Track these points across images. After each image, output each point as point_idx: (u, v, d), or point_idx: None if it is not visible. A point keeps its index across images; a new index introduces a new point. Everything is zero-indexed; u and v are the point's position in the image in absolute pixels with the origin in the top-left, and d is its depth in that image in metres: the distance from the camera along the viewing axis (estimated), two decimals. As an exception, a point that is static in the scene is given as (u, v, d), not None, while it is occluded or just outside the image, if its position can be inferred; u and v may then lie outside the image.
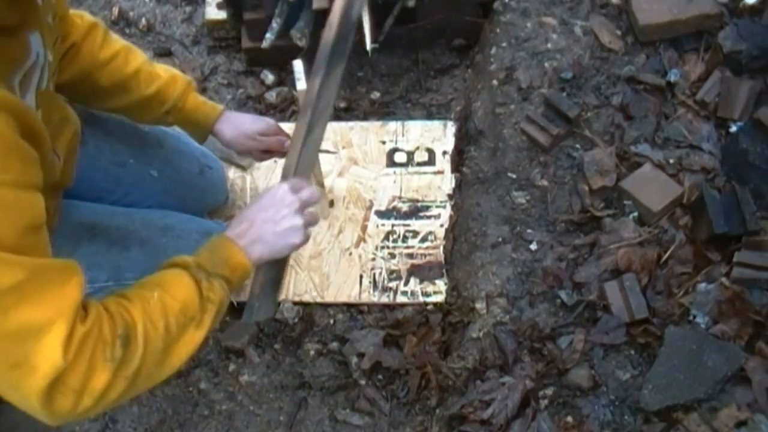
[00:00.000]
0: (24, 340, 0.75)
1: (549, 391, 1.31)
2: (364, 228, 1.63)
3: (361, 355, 1.44)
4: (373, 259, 1.58)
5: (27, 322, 0.74)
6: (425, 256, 1.58)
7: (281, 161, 1.72)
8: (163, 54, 2.04)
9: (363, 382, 1.44)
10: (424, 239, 1.60)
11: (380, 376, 1.45)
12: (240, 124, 1.36)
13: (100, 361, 0.81)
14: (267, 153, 1.40)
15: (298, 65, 1.31)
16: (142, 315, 0.87)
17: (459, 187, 1.68)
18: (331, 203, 1.68)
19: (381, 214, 1.65)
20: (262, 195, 1.08)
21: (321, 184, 1.56)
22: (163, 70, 1.31)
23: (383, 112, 1.93)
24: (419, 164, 1.72)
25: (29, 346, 0.75)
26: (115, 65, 1.23)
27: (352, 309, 1.53)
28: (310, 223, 1.12)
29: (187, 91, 1.32)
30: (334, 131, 1.80)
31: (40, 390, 0.76)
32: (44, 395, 0.77)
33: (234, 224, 1.06)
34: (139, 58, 1.26)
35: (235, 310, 1.52)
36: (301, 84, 1.27)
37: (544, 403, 1.30)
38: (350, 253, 1.60)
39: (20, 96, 0.85)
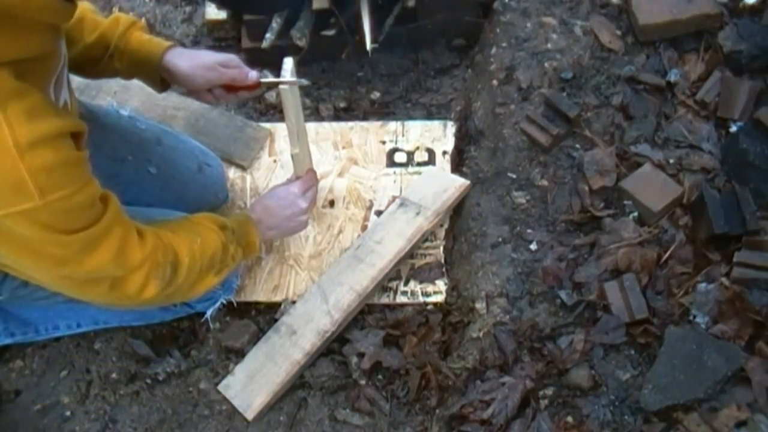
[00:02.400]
0: (93, 271, 0.99)
1: (549, 391, 1.31)
2: (364, 228, 1.63)
3: (361, 355, 1.44)
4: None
5: (95, 263, 0.98)
6: (425, 256, 1.58)
7: (281, 161, 1.73)
8: (163, 54, 2.03)
9: (363, 382, 1.44)
10: (424, 239, 1.60)
11: (380, 376, 1.45)
12: (196, 56, 1.28)
13: (153, 278, 1.07)
14: (231, 90, 1.32)
15: (288, 63, 1.29)
16: (188, 251, 1.14)
17: (459, 187, 1.68)
18: (332, 203, 1.68)
19: (381, 214, 1.65)
20: (278, 191, 1.42)
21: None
22: (111, 17, 1.25)
23: (383, 112, 1.93)
24: (419, 164, 1.72)
25: (94, 273, 1.00)
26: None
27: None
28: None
29: (131, 30, 1.24)
30: (334, 131, 1.80)
31: (104, 291, 1.05)
32: (107, 294, 1.05)
33: (254, 209, 1.38)
34: (82, 5, 1.20)
35: (235, 310, 1.52)
36: (284, 85, 1.27)
37: (544, 403, 1.30)
38: (350, 253, 1.60)
39: (55, 98, 0.95)
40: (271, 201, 1.40)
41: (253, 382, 1.41)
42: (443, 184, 1.62)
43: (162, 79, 1.31)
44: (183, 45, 2.06)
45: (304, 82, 1.31)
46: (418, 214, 1.56)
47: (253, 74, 1.30)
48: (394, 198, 1.67)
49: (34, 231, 0.87)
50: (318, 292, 1.49)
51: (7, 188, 0.82)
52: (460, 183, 1.62)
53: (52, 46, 0.92)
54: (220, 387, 1.43)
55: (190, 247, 1.14)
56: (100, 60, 1.24)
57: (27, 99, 0.82)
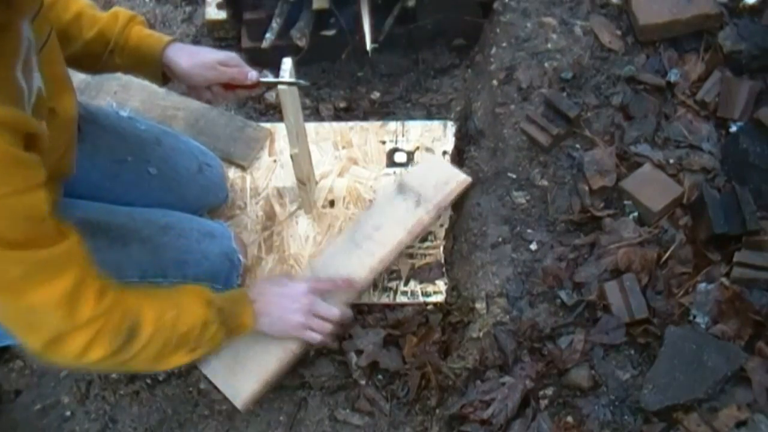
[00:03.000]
0: (34, 313, 0.87)
1: (549, 391, 1.31)
2: (364, 228, 1.63)
3: (359, 353, 1.44)
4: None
5: (37, 302, 0.86)
6: (425, 256, 1.58)
7: (281, 161, 1.73)
8: (163, 54, 2.03)
9: (363, 382, 1.44)
10: (424, 239, 1.60)
11: (380, 376, 1.45)
12: (196, 53, 1.26)
13: (101, 341, 0.93)
14: (230, 88, 1.30)
15: (287, 63, 1.29)
16: (154, 322, 1.01)
17: (460, 186, 1.67)
18: (332, 203, 1.67)
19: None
20: (285, 281, 1.32)
21: (303, 181, 1.54)
22: (109, 12, 1.22)
23: (383, 112, 1.93)
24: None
25: (34, 316, 0.88)
26: (54, 13, 1.14)
27: (352, 309, 1.53)
28: (317, 330, 1.31)
29: (130, 26, 1.22)
30: (334, 131, 1.80)
31: (40, 346, 0.91)
32: (43, 351, 0.92)
33: (255, 288, 1.28)
34: (80, 1, 1.18)
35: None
36: (283, 86, 1.26)
37: (544, 403, 1.30)
38: (350, 253, 1.60)
39: (26, 85, 0.88)
40: (273, 286, 1.29)
41: (241, 366, 1.33)
42: (444, 177, 1.58)
43: (163, 73, 1.31)
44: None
45: (303, 82, 1.31)
46: (418, 204, 1.50)
47: (252, 74, 1.29)
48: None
49: None
50: (314, 277, 1.41)
51: None
52: (462, 178, 1.61)
53: (4, 18, 0.84)
54: (204, 369, 1.36)
55: (160, 317, 1.02)
56: (101, 56, 1.22)
57: None
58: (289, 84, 1.27)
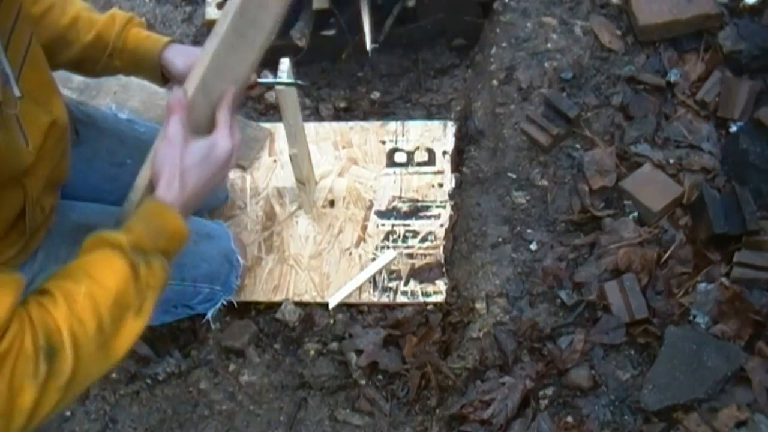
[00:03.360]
0: None
1: (549, 391, 1.31)
2: (364, 228, 1.63)
3: (359, 352, 1.44)
4: (373, 259, 1.58)
5: None
6: (425, 256, 1.58)
7: (281, 161, 1.73)
8: (163, 54, 2.03)
9: (363, 382, 1.44)
10: (424, 239, 1.60)
11: (380, 376, 1.45)
12: (193, 53, 1.20)
13: (23, 379, 0.74)
14: None
15: (284, 63, 1.28)
16: (67, 317, 0.79)
17: (459, 187, 1.68)
18: (332, 203, 1.68)
19: (381, 214, 1.65)
20: (197, 144, 0.94)
21: (303, 181, 1.53)
22: (105, 14, 1.19)
23: (383, 112, 1.93)
24: (419, 164, 1.72)
25: None
26: (51, 18, 1.12)
27: (352, 309, 1.53)
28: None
29: (128, 28, 1.19)
30: (334, 131, 1.80)
31: None
32: None
33: (164, 179, 0.92)
34: (76, 5, 1.16)
35: (235, 310, 1.52)
36: (282, 86, 1.25)
37: (544, 403, 1.30)
38: (350, 253, 1.60)
39: None
40: (185, 158, 0.93)
41: None
42: None
43: (162, 74, 1.31)
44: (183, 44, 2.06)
45: (301, 82, 1.31)
46: None
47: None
48: (394, 198, 1.67)
49: None
50: (205, 98, 1.01)
51: None
52: None
53: None
54: None
55: (72, 309, 0.79)
56: (100, 60, 1.21)
57: None
58: (287, 84, 1.26)
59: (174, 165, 0.91)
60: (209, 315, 1.44)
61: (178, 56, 1.22)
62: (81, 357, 0.79)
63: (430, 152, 1.74)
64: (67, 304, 0.79)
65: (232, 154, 0.98)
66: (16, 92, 0.86)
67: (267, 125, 1.82)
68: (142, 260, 0.86)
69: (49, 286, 0.82)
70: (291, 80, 1.28)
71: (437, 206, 1.66)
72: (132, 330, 0.85)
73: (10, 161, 0.86)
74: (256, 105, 1.94)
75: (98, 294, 0.81)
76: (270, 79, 1.27)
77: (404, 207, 1.66)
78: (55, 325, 0.78)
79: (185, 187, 0.92)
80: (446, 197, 1.67)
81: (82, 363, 0.79)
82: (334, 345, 1.48)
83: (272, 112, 1.93)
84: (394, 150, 1.75)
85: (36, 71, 0.99)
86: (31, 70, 0.96)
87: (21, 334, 0.74)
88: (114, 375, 1.47)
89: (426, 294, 1.52)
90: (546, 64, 1.70)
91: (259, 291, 1.55)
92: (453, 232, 1.63)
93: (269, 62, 1.95)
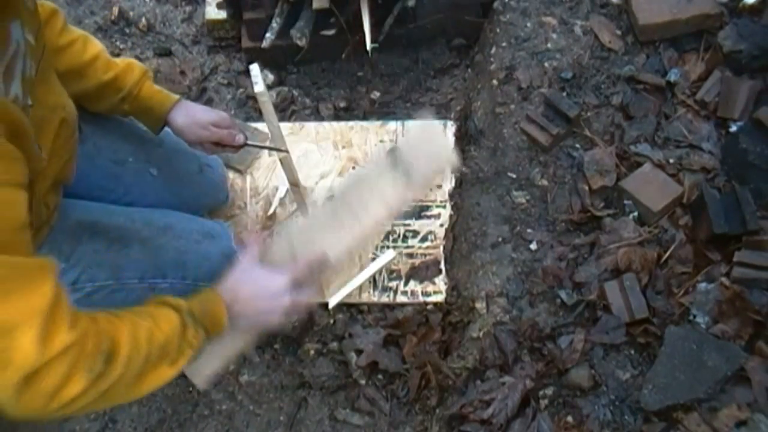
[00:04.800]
0: (3, 336, 0.76)
1: (549, 391, 1.31)
2: (364, 228, 1.63)
3: (359, 352, 1.44)
4: (373, 259, 1.58)
5: (8, 317, 0.76)
6: (425, 255, 1.58)
7: (278, 159, 1.73)
8: (163, 54, 2.04)
9: (363, 381, 1.44)
10: (424, 239, 1.60)
11: (380, 376, 1.45)
12: (193, 113, 1.35)
13: (79, 371, 0.83)
14: (218, 146, 1.38)
15: (255, 69, 1.32)
16: (129, 338, 0.91)
17: (459, 186, 1.68)
18: (332, 198, 1.67)
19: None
20: (261, 274, 1.14)
21: (296, 183, 1.54)
22: (120, 60, 1.31)
23: (383, 111, 1.93)
24: (419, 164, 1.72)
25: (5, 341, 0.77)
26: (73, 51, 1.22)
27: (352, 309, 1.53)
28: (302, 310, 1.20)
29: (143, 79, 1.31)
30: (334, 131, 1.80)
31: (12, 385, 0.78)
32: (16, 391, 0.79)
33: (228, 286, 1.12)
34: (96, 46, 1.27)
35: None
36: (258, 87, 1.29)
37: (544, 403, 1.30)
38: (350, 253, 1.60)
39: (4, 87, 0.84)
40: (250, 280, 1.14)
41: (204, 351, 1.17)
42: (438, 153, 1.39)
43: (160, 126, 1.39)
44: (183, 45, 2.06)
45: (283, 150, 1.40)
46: (407, 183, 1.31)
47: (239, 138, 1.36)
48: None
49: None
50: (287, 247, 1.27)
51: None
52: (454, 159, 1.48)
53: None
54: None
55: (135, 333, 0.93)
56: (111, 100, 1.30)
57: None
58: (271, 149, 1.35)
59: (237, 276, 1.13)
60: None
61: (180, 113, 1.34)
62: (125, 374, 0.90)
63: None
64: (132, 328, 0.93)
65: (281, 295, 1.13)
66: (16, 91, 0.89)
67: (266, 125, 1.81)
68: (191, 323, 1.03)
69: (119, 312, 0.96)
70: (274, 146, 1.38)
71: (437, 206, 1.66)
72: (164, 374, 0.99)
73: (32, 171, 0.91)
74: (256, 105, 1.94)
75: (155, 332, 0.96)
76: (257, 143, 1.38)
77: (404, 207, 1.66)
78: (118, 338, 0.90)
79: (236, 295, 1.11)
80: (446, 197, 1.67)
81: (123, 380, 0.90)
82: (334, 345, 1.49)
83: (272, 112, 1.92)
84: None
85: (48, 81, 1.05)
86: (43, 83, 1.01)
87: (88, 332, 0.85)
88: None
89: (426, 294, 1.52)
90: (546, 64, 1.70)
91: (259, 291, 1.55)
92: (453, 231, 1.63)
93: (270, 62, 1.97)
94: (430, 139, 1.46)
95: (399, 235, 1.62)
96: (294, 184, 1.53)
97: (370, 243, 1.44)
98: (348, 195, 1.33)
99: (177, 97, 1.35)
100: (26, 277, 0.79)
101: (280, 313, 1.15)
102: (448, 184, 1.68)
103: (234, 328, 1.15)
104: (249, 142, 1.39)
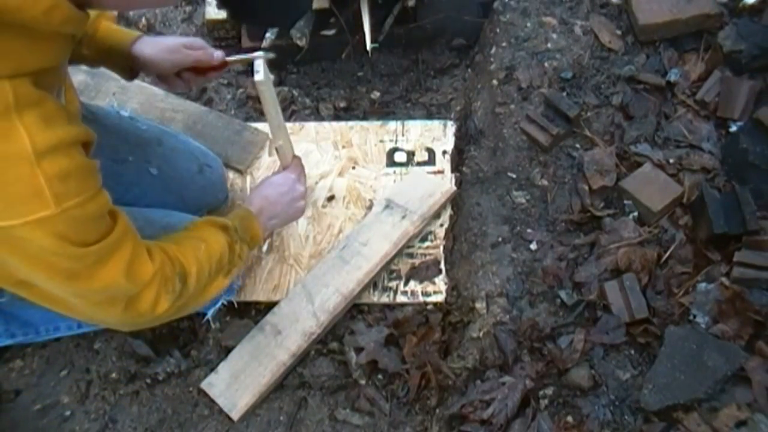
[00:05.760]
0: (106, 287, 0.97)
1: (549, 391, 1.31)
2: (364, 228, 1.63)
3: (359, 350, 1.44)
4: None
5: (107, 277, 0.96)
6: (425, 255, 1.58)
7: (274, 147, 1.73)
8: (163, 54, 2.03)
9: (363, 381, 1.44)
10: (424, 239, 1.60)
11: (380, 376, 1.45)
12: (160, 40, 1.29)
13: (163, 293, 1.06)
14: (199, 72, 1.33)
15: (258, 58, 1.30)
16: (194, 260, 1.13)
17: (459, 186, 1.68)
18: (331, 198, 1.68)
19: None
20: (274, 179, 1.43)
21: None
22: None
23: (383, 111, 1.93)
24: (419, 164, 1.72)
25: (109, 291, 0.98)
26: (24, 6, 1.20)
27: (352, 309, 1.53)
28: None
29: (99, 19, 1.25)
30: (334, 130, 1.80)
31: (118, 313, 1.03)
32: (122, 316, 1.04)
33: (254, 200, 1.37)
34: None
35: (235, 310, 1.52)
36: (259, 76, 1.27)
37: (544, 402, 1.30)
38: (350, 253, 1.60)
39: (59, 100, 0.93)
40: (270, 190, 1.40)
41: (237, 382, 1.41)
42: (429, 188, 1.62)
43: (130, 67, 1.33)
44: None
45: (271, 54, 1.33)
46: (404, 217, 1.57)
47: (218, 54, 1.31)
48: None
49: (49, 241, 0.86)
50: (303, 292, 1.49)
51: (25, 196, 0.82)
52: (446, 188, 1.63)
53: (67, 55, 0.94)
54: (203, 385, 1.43)
55: (196, 256, 1.14)
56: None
57: (44, 106, 0.83)
58: (255, 58, 1.28)
59: (261, 190, 1.41)
60: (209, 315, 1.44)
61: (146, 45, 1.28)
62: (195, 289, 1.13)
63: (430, 152, 1.74)
64: (194, 252, 1.14)
65: (297, 184, 1.44)
66: (63, 99, 1.01)
67: (267, 125, 1.81)
68: (237, 239, 1.24)
69: (180, 239, 1.17)
70: (257, 53, 1.29)
71: (437, 206, 1.66)
72: (220, 285, 1.22)
73: None
74: (257, 105, 1.94)
75: (212, 252, 1.17)
76: (239, 56, 1.30)
77: (404, 207, 1.66)
78: (186, 262, 1.11)
79: (265, 204, 1.37)
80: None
81: (194, 293, 1.14)
82: (334, 345, 1.48)
83: (272, 111, 1.92)
84: (394, 150, 1.75)
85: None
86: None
87: (163, 263, 1.06)
88: (114, 375, 1.47)
89: (426, 294, 1.52)
90: (546, 64, 1.70)
91: (259, 291, 1.55)
92: (453, 231, 1.63)
93: (270, 62, 1.97)
94: (422, 183, 1.57)
95: (399, 235, 1.62)
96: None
97: (378, 273, 1.52)
98: (350, 240, 1.55)
99: (138, 33, 1.29)
100: (114, 247, 0.96)
101: (301, 200, 1.43)
102: (448, 184, 1.68)
103: (273, 228, 1.43)
104: (229, 57, 1.32)
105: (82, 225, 0.89)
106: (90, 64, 1.31)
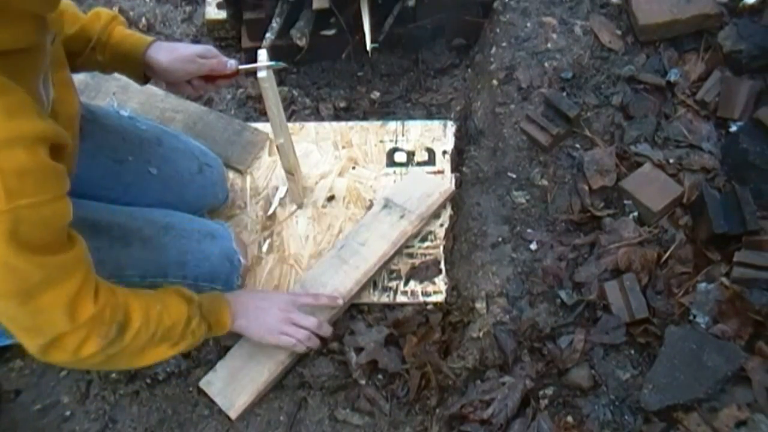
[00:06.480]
0: (41, 314, 0.92)
1: (549, 391, 1.31)
2: (364, 228, 1.63)
3: (359, 350, 1.44)
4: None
5: (45, 304, 0.91)
6: (425, 255, 1.58)
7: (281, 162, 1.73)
8: (163, 54, 2.03)
9: (363, 381, 1.44)
10: (424, 239, 1.60)
11: (380, 376, 1.45)
12: (175, 49, 1.27)
13: (95, 336, 0.98)
14: (209, 81, 1.32)
15: (262, 54, 1.29)
16: (142, 315, 1.06)
17: (459, 186, 1.68)
18: (332, 198, 1.68)
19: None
20: (266, 293, 1.43)
21: (291, 171, 1.54)
22: (91, 12, 1.24)
23: (383, 111, 1.93)
24: (419, 164, 1.72)
25: (41, 317, 0.92)
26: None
27: (352, 309, 1.53)
28: (291, 335, 1.34)
29: (113, 24, 1.24)
30: (334, 131, 1.80)
31: (41, 345, 0.96)
32: (44, 349, 0.97)
33: (238, 295, 1.33)
34: (64, 1, 1.19)
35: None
36: (262, 73, 1.26)
37: (544, 403, 1.30)
38: (350, 253, 1.60)
39: (45, 96, 0.92)
40: (260, 292, 1.36)
41: (235, 381, 1.40)
42: (428, 188, 1.62)
43: (143, 73, 1.32)
44: (180, 42, 2.06)
45: (282, 64, 1.31)
46: (402, 217, 1.56)
47: (231, 63, 1.30)
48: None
49: None
50: (301, 291, 1.48)
51: None
52: (445, 188, 1.63)
53: (38, 38, 0.89)
54: (201, 383, 1.42)
55: (147, 313, 1.07)
56: (81, 53, 1.23)
57: (9, 96, 0.80)
58: (267, 67, 1.27)
59: (247, 293, 1.39)
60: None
61: (161, 52, 1.27)
62: (132, 344, 1.05)
63: (430, 152, 1.74)
64: (145, 307, 1.07)
65: (287, 305, 1.35)
66: (51, 94, 0.97)
67: (267, 125, 1.81)
68: (197, 315, 1.17)
69: (137, 291, 1.10)
70: (271, 63, 1.28)
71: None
72: (164, 353, 1.13)
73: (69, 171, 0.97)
74: (257, 105, 1.94)
75: (164, 315, 1.10)
76: (250, 64, 1.29)
77: (404, 207, 1.66)
78: (132, 312, 1.05)
79: (245, 308, 1.31)
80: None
81: (128, 350, 1.06)
82: (334, 345, 1.48)
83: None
84: (394, 150, 1.75)
85: (59, 70, 1.04)
86: (56, 70, 1.02)
87: (107, 304, 0.99)
88: (114, 375, 1.47)
89: (426, 294, 1.52)
90: (546, 64, 1.70)
91: (259, 291, 1.55)
92: (453, 231, 1.63)
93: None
94: (421, 182, 1.57)
95: (399, 235, 1.62)
96: (289, 171, 1.53)
97: (376, 273, 1.52)
98: (348, 239, 1.54)
99: (152, 38, 1.28)
100: (65, 270, 0.92)
101: (280, 323, 1.33)
102: (448, 184, 1.68)
103: (237, 329, 1.31)
104: (242, 66, 1.31)
105: (33, 228, 0.83)
106: (104, 70, 1.30)
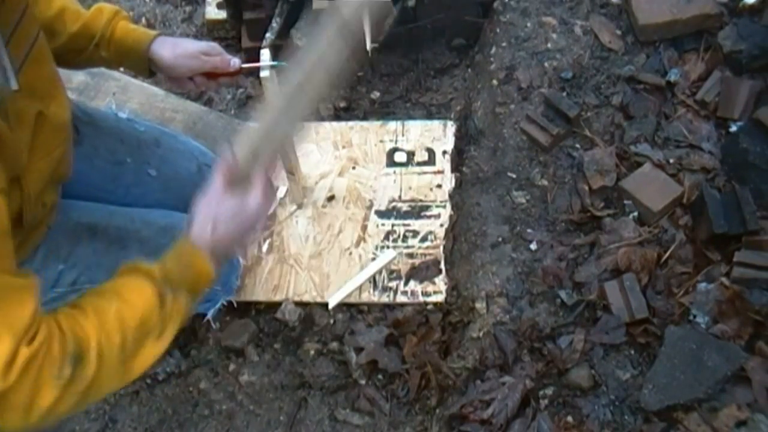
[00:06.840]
0: None
1: (549, 391, 1.31)
2: (364, 228, 1.63)
3: (359, 350, 1.44)
4: (373, 259, 1.58)
5: None
6: (425, 255, 1.58)
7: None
8: (163, 54, 2.03)
9: (363, 381, 1.44)
10: (424, 239, 1.60)
11: (380, 376, 1.45)
12: (179, 44, 1.25)
13: (47, 380, 0.79)
14: (212, 78, 1.30)
15: (265, 54, 1.28)
16: (96, 330, 0.85)
17: (459, 186, 1.68)
18: (332, 198, 1.68)
19: (381, 214, 1.65)
20: (235, 205, 1.01)
21: (291, 171, 1.53)
22: (93, 7, 1.21)
23: (383, 111, 1.93)
24: (419, 164, 1.72)
25: None
26: (37, 10, 1.11)
27: (352, 309, 1.53)
28: (267, 211, 1.08)
29: (116, 20, 1.22)
30: (334, 131, 1.80)
31: None
32: None
33: (197, 224, 0.99)
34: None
35: (235, 309, 1.52)
36: (265, 72, 1.25)
37: (544, 402, 1.30)
38: (350, 253, 1.60)
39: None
40: (220, 207, 1.01)
41: None
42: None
43: (148, 67, 1.31)
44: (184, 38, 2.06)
45: (284, 64, 1.29)
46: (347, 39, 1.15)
47: (235, 61, 1.29)
48: (394, 198, 1.66)
49: None
50: (251, 154, 1.06)
51: None
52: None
53: None
54: None
55: (102, 323, 0.86)
56: (85, 49, 1.22)
57: None
58: (270, 67, 1.26)
59: (208, 213, 0.99)
60: (209, 315, 1.44)
61: (166, 47, 1.24)
62: (103, 368, 0.85)
63: (430, 152, 1.74)
64: (98, 318, 0.86)
65: (261, 215, 1.03)
66: (14, 85, 0.87)
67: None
68: (169, 292, 0.93)
69: (81, 302, 0.88)
70: (274, 62, 1.27)
71: (437, 206, 1.66)
72: (150, 353, 0.92)
73: (8, 169, 0.88)
74: (257, 104, 1.94)
75: (126, 314, 0.88)
76: (253, 63, 1.29)
77: (404, 207, 1.66)
78: (84, 335, 0.83)
79: (215, 235, 0.98)
80: (446, 197, 1.67)
81: (103, 374, 0.85)
82: (334, 345, 1.48)
83: (272, 111, 1.92)
84: (394, 150, 1.75)
85: (40, 66, 1.00)
86: (35, 65, 0.97)
87: (50, 339, 0.80)
88: (114, 375, 1.47)
89: (426, 294, 1.52)
90: (546, 64, 1.70)
91: (259, 291, 1.55)
92: (453, 231, 1.63)
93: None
94: None
95: (399, 235, 1.62)
96: (289, 171, 1.53)
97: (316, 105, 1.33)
98: (302, 81, 1.11)
99: (155, 32, 1.26)
100: (5, 299, 0.77)
101: (258, 231, 1.07)
102: (448, 184, 1.68)
103: (225, 260, 1.05)
104: (245, 65, 1.30)
105: None
106: (109, 65, 1.29)
